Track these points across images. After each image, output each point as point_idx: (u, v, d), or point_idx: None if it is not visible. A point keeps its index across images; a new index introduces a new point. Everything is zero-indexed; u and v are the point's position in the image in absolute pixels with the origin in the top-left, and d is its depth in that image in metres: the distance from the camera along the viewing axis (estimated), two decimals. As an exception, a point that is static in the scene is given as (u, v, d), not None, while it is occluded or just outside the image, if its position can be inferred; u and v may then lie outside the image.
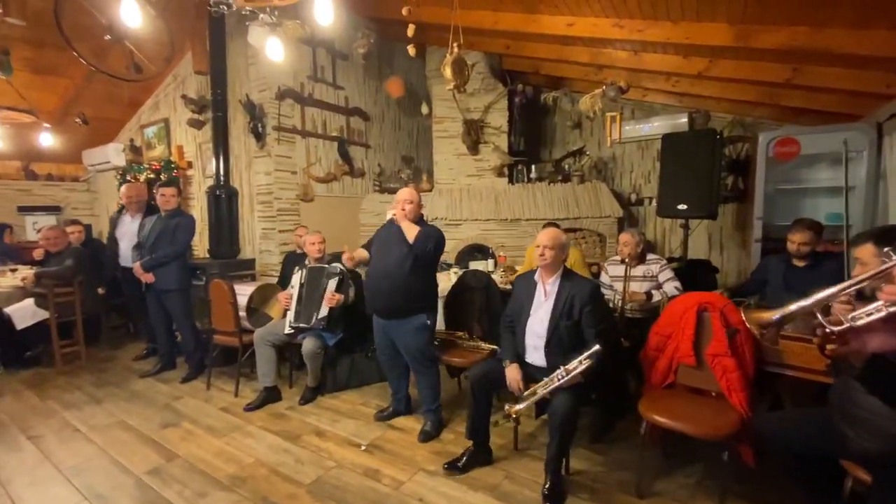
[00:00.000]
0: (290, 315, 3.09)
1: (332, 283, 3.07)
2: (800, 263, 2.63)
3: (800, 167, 3.93)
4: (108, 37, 3.57)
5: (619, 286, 2.91)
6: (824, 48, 2.83)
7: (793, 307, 1.44)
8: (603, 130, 5.13)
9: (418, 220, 2.62)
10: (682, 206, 3.66)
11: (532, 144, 5.69)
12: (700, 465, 2.26)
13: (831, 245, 3.58)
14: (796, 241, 2.60)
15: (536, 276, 2.32)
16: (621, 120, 4.23)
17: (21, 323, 3.73)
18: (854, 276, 1.53)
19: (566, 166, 5.41)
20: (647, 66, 4.05)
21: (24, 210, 6.30)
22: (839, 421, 1.55)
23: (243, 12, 2.34)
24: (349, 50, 5.13)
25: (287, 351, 3.42)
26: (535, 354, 2.24)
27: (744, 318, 1.58)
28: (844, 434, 1.52)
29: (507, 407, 1.97)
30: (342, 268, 3.13)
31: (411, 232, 2.48)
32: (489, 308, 3.09)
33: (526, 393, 1.98)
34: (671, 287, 2.84)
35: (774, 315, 1.46)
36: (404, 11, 3.31)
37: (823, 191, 3.89)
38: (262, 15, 2.45)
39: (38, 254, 4.29)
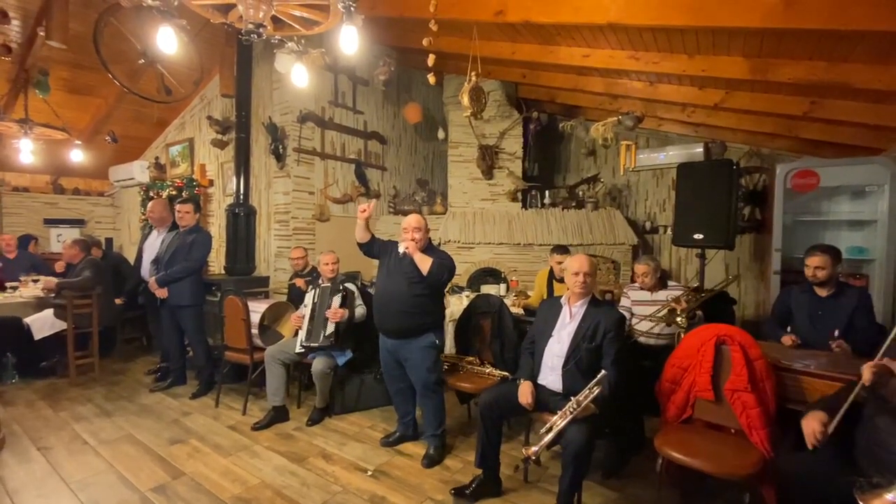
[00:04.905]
0: (302, 334, 3.10)
1: (336, 300, 3.09)
2: (823, 293, 2.53)
3: (819, 199, 3.87)
4: (141, 61, 3.76)
5: (638, 310, 2.90)
6: (843, 82, 2.83)
7: None
8: (617, 158, 5.17)
9: (426, 245, 2.65)
10: (698, 236, 3.62)
11: (546, 170, 5.73)
12: (719, 506, 2.17)
13: (854, 279, 3.50)
14: (812, 264, 2.50)
15: (563, 300, 2.33)
16: (636, 148, 4.25)
17: (39, 333, 3.79)
18: None
19: (580, 193, 5.43)
20: (663, 97, 4.08)
21: (50, 222, 6.51)
22: (866, 464, 1.48)
23: (272, 41, 2.43)
24: (370, 76, 5.29)
25: (296, 370, 3.41)
26: (551, 376, 2.22)
27: None
28: (871, 478, 1.44)
29: (523, 450, 1.94)
30: (346, 286, 3.18)
31: (425, 264, 2.50)
32: (500, 333, 3.05)
33: (541, 431, 1.95)
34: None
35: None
36: (425, 42, 3.40)
37: (844, 223, 3.82)
38: (289, 43, 2.56)
39: (59, 266, 4.41)
